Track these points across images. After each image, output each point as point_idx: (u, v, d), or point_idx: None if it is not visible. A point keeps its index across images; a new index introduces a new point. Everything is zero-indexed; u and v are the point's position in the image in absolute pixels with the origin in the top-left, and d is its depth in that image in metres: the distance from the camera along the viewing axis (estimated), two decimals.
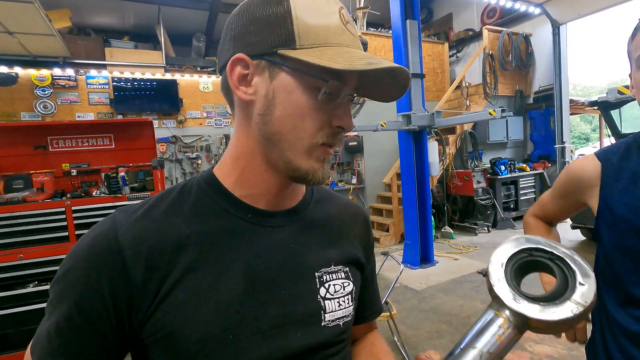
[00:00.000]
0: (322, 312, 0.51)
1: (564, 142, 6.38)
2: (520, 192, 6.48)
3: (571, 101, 6.62)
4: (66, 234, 2.64)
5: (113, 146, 3.13)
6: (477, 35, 7.61)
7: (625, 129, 3.98)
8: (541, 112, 6.89)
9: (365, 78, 0.50)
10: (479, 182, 6.07)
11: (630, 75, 0.73)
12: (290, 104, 0.46)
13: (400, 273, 2.34)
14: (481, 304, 3.29)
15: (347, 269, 0.56)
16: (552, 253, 0.41)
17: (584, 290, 0.37)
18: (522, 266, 0.41)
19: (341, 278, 0.54)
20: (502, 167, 6.37)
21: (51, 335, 0.44)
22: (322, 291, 0.51)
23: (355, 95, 0.51)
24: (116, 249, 0.43)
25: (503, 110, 3.48)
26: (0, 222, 2.50)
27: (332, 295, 0.52)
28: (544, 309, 0.36)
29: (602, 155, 0.82)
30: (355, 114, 4.15)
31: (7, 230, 2.52)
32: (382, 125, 4.19)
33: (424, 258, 4.58)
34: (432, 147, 4.54)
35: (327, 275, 0.53)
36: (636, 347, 0.73)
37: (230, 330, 0.44)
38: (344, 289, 0.54)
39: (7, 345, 2.55)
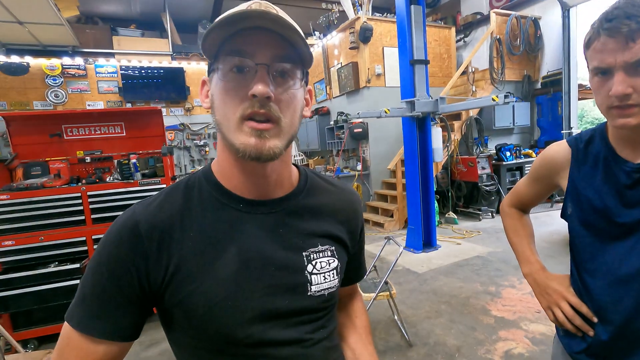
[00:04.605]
0: (308, 284, 0.62)
1: (572, 128, 6.34)
2: None
3: (580, 86, 6.54)
4: (82, 217, 2.79)
5: (124, 134, 3.25)
6: (485, 19, 7.49)
7: None
8: (549, 97, 6.81)
9: (245, 40, 0.53)
10: (483, 168, 6.08)
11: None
12: (217, 93, 0.56)
13: (400, 255, 2.43)
14: (480, 286, 3.39)
15: (333, 247, 0.66)
16: None
17: None
18: None
19: (327, 256, 0.65)
20: (508, 153, 6.36)
21: (86, 300, 0.55)
22: (310, 267, 0.62)
23: (265, 64, 0.53)
24: (137, 233, 0.55)
25: (506, 96, 3.48)
26: (21, 206, 2.66)
27: (319, 270, 0.63)
28: None
29: (572, 141, 0.91)
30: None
31: (28, 214, 2.68)
32: (385, 112, 4.23)
33: (427, 242, 4.68)
34: (436, 133, 4.57)
35: (314, 254, 0.63)
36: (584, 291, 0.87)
37: (228, 299, 0.56)
38: (329, 265, 0.65)
39: (30, 321, 2.74)
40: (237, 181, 0.60)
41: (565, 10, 6.16)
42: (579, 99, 6.70)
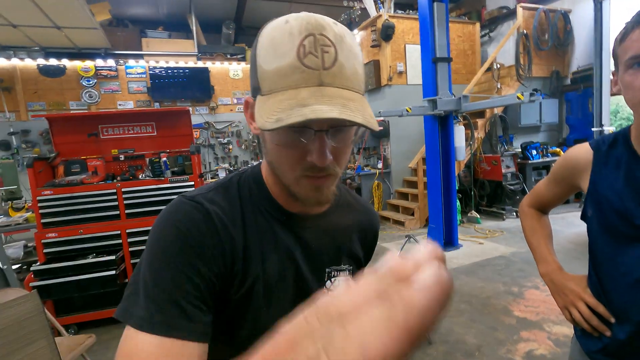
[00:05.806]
0: None
1: (603, 125, 6.09)
2: None
3: None
4: (117, 212, 2.97)
5: (155, 133, 3.41)
6: (511, 13, 7.28)
7: None
8: (579, 93, 6.58)
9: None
10: (508, 167, 5.96)
11: (613, 73, 0.81)
12: (270, 142, 0.54)
13: None
14: (502, 286, 3.36)
15: (352, 267, 0.72)
16: None
17: None
18: None
19: (345, 275, 0.71)
20: (534, 152, 6.20)
21: (161, 300, 0.48)
22: (328, 283, 0.69)
23: (323, 130, 0.50)
24: (211, 222, 0.55)
25: (532, 94, 3.42)
26: (63, 201, 2.86)
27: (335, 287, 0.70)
28: None
29: (594, 144, 0.92)
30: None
31: (68, 208, 2.88)
32: (407, 111, 4.23)
33: (448, 241, 4.65)
34: (459, 132, 4.52)
35: (335, 272, 0.69)
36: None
37: (269, 295, 0.62)
38: None
39: (71, 308, 2.95)
40: (282, 195, 0.63)
41: (598, 3, 5.92)
42: (611, 95, 6.42)
